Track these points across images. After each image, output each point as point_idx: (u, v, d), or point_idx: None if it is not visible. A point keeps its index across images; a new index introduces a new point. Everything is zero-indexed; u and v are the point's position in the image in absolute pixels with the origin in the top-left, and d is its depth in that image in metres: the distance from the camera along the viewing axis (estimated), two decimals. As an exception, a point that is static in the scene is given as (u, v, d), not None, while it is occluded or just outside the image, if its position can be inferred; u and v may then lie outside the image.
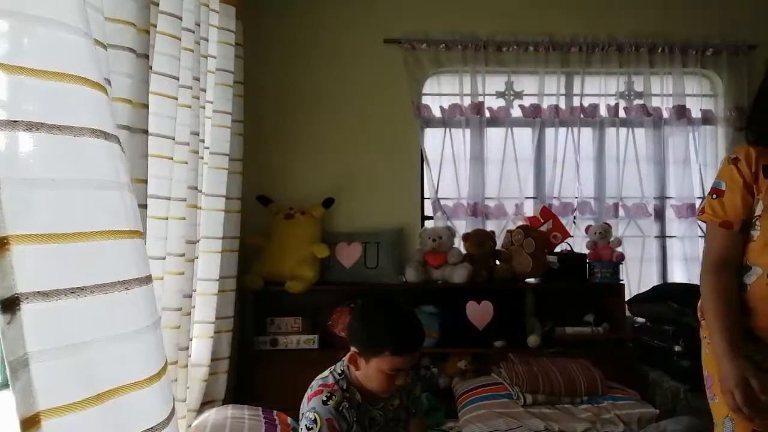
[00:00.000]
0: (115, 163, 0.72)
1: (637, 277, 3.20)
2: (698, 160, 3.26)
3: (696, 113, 3.27)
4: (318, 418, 1.53)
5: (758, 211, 1.37)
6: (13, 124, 0.61)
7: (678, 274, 3.22)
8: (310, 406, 1.57)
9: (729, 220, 1.41)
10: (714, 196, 1.44)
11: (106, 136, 0.70)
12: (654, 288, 3.01)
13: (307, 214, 2.95)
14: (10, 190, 0.60)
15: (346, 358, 1.64)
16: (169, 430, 0.73)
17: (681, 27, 3.20)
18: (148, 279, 0.75)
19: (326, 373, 1.67)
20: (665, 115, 3.24)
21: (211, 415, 2.09)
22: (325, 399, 1.56)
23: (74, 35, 0.68)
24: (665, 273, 3.27)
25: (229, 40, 2.35)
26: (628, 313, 3.03)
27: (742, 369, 1.29)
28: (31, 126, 0.63)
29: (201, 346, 2.20)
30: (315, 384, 1.64)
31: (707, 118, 3.28)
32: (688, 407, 2.54)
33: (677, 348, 2.69)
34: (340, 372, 1.65)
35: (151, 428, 0.70)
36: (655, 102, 3.24)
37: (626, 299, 3.00)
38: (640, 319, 3.03)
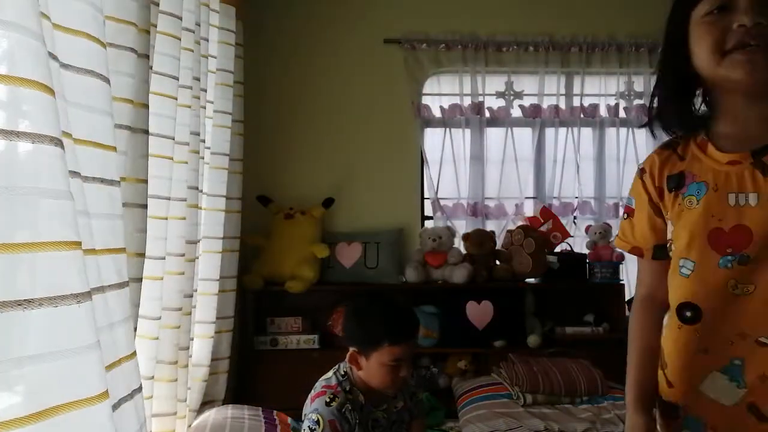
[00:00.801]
0: (63, 170, 0.69)
1: (637, 278, 3.20)
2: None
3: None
4: (321, 420, 1.53)
5: (669, 234, 1.09)
6: None
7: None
8: (312, 408, 1.57)
9: (638, 246, 1.16)
10: (625, 215, 1.18)
11: (57, 142, 0.68)
12: (654, 288, 3.01)
13: (307, 214, 2.95)
14: None
15: (347, 359, 1.64)
16: None
17: (681, 27, 3.20)
18: (89, 295, 0.72)
19: (329, 374, 1.67)
20: (665, 115, 3.23)
21: (211, 415, 2.09)
22: (327, 400, 1.57)
23: (28, 37, 0.66)
24: (665, 273, 3.27)
25: (229, 40, 2.35)
26: (628, 313, 3.02)
27: (644, 427, 1.10)
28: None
29: (201, 346, 2.20)
30: (318, 385, 1.65)
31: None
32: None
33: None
34: (343, 373, 1.65)
35: None
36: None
37: (626, 299, 3.00)
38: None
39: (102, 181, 0.96)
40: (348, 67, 3.16)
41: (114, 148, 0.98)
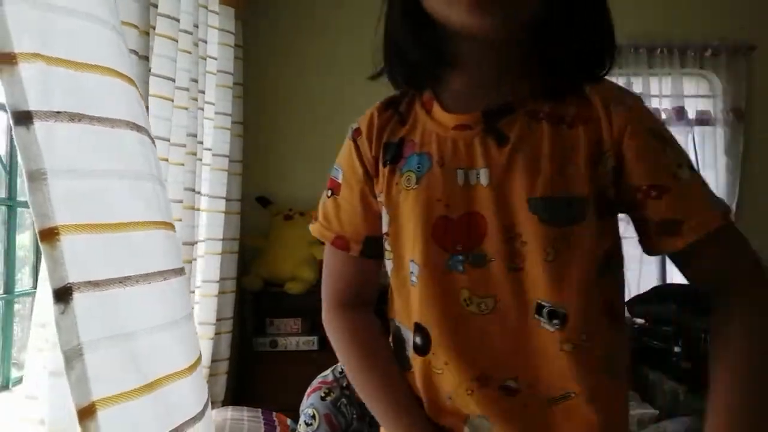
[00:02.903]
0: (147, 155, 0.73)
1: (637, 278, 3.20)
2: (697, 161, 3.26)
3: (694, 114, 3.27)
4: (316, 414, 1.53)
5: (384, 225, 0.77)
6: (56, 115, 0.61)
7: (677, 275, 3.20)
8: (308, 403, 1.57)
9: (344, 236, 0.81)
10: (329, 192, 0.84)
11: (138, 128, 0.71)
12: (654, 289, 3.01)
13: (306, 216, 2.95)
14: (56, 180, 0.60)
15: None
16: (205, 422, 0.73)
17: (680, 28, 3.20)
18: (182, 270, 0.76)
19: (327, 371, 1.68)
20: (664, 116, 3.24)
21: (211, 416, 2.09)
22: (323, 395, 1.57)
23: (108, 30, 0.69)
24: (664, 274, 3.27)
25: (228, 42, 2.36)
26: (627, 314, 3.03)
27: None
28: (73, 117, 0.63)
29: (201, 348, 2.20)
30: (315, 381, 1.65)
31: (706, 119, 3.28)
32: (688, 408, 2.54)
33: (677, 349, 2.69)
34: (341, 370, 1.65)
35: (192, 418, 0.71)
36: (654, 103, 3.24)
37: (626, 300, 3.00)
38: (640, 320, 3.03)
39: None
40: (348, 67, 3.16)
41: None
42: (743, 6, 3.22)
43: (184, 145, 1.74)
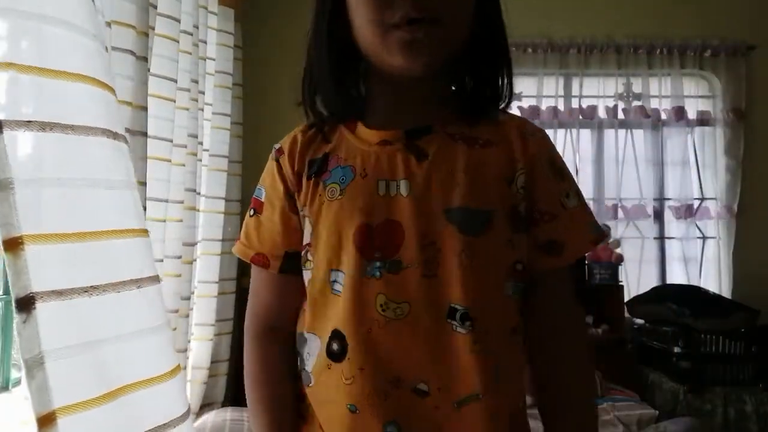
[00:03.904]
0: (124, 162, 0.72)
1: (636, 279, 3.20)
2: (697, 162, 3.27)
3: (694, 114, 3.27)
4: None
5: (308, 237, 0.79)
6: (27, 125, 0.61)
7: (677, 276, 3.22)
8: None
9: (263, 253, 0.83)
10: (252, 212, 0.87)
11: (115, 136, 0.71)
12: (653, 289, 3.01)
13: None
14: (23, 189, 0.60)
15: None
16: (184, 428, 0.73)
17: (679, 28, 3.20)
18: (157, 278, 0.75)
19: None
20: (664, 116, 3.24)
21: (210, 417, 2.09)
22: None
23: (84, 37, 0.68)
24: (664, 274, 3.27)
25: (228, 42, 2.36)
26: (627, 315, 3.03)
27: None
28: (45, 126, 0.63)
29: (200, 349, 2.20)
30: None
31: (705, 120, 3.28)
32: (688, 408, 2.54)
33: (677, 349, 2.69)
34: None
35: (164, 425, 0.70)
36: (654, 103, 3.25)
37: (625, 301, 3.00)
38: (640, 321, 3.03)
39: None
40: (347, 69, 3.16)
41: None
42: (742, 6, 3.22)
43: (185, 146, 1.75)
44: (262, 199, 0.85)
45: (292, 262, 0.81)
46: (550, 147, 0.82)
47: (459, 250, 0.71)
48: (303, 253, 0.80)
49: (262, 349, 0.84)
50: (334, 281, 0.75)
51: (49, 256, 0.62)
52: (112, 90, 0.72)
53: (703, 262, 3.21)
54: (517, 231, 0.76)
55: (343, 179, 0.77)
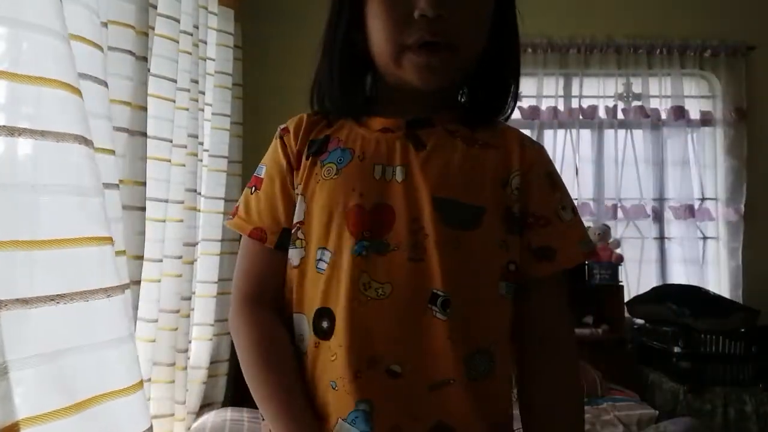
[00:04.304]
0: (92, 168, 0.71)
1: (636, 279, 3.20)
2: (697, 162, 3.27)
3: (694, 114, 3.27)
4: None
5: (299, 214, 0.80)
6: None
7: (677, 276, 3.22)
8: None
9: (261, 228, 0.83)
10: (253, 188, 0.87)
11: (86, 142, 0.69)
12: (653, 289, 3.01)
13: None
14: None
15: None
16: None
17: (679, 28, 3.20)
18: (127, 286, 0.74)
19: None
20: (663, 116, 3.24)
21: (210, 417, 2.09)
22: None
23: (54, 39, 0.66)
24: (664, 274, 3.27)
25: (227, 43, 2.36)
26: (627, 315, 3.03)
27: None
28: (13, 131, 0.62)
29: (200, 349, 2.20)
30: None
31: (706, 120, 3.28)
32: (688, 408, 2.54)
33: (677, 349, 2.69)
34: None
35: None
36: (654, 103, 3.25)
37: (626, 301, 3.00)
38: (640, 321, 3.03)
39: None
40: (347, 69, 3.16)
41: (112, 151, 0.98)
42: (742, 6, 3.22)
43: (185, 146, 1.75)
44: (262, 176, 0.86)
45: (286, 239, 0.82)
46: (548, 161, 0.85)
47: (444, 238, 0.74)
48: (293, 231, 0.80)
49: (255, 315, 0.81)
50: (320, 260, 0.76)
51: (14, 263, 0.60)
52: (79, 93, 0.70)
53: (703, 263, 3.21)
54: (511, 232, 0.78)
55: (340, 160, 0.79)
